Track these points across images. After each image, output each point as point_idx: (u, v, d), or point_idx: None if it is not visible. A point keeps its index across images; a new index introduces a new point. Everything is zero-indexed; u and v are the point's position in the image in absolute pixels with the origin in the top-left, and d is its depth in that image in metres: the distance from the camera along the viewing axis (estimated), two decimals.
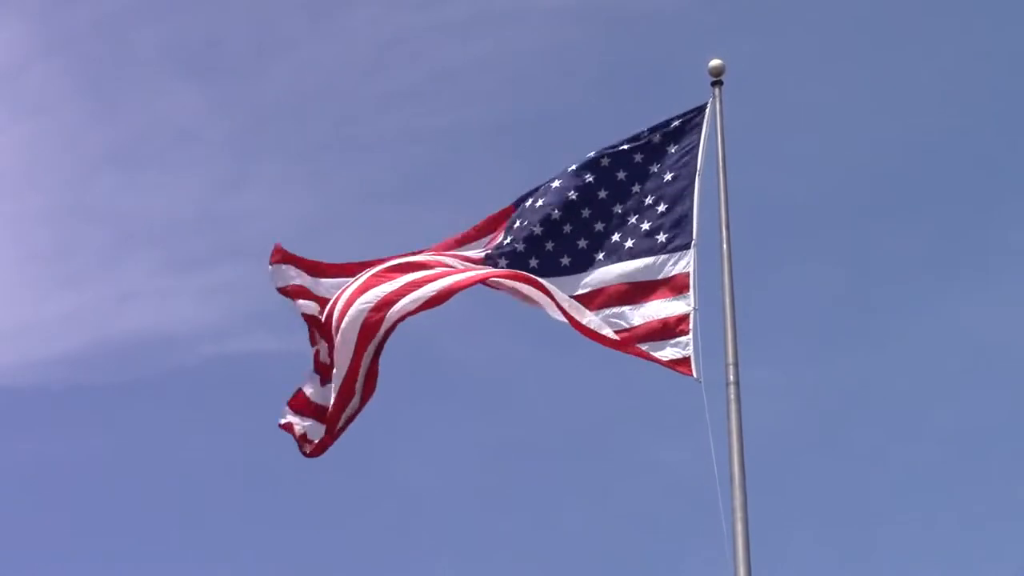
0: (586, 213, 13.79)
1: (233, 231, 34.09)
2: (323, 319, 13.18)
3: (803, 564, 24.72)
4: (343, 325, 13.00)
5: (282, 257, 13.47)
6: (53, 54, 34.49)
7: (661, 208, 13.58)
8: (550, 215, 13.78)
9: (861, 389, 30.09)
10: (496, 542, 28.61)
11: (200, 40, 34.79)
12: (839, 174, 32.32)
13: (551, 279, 13.43)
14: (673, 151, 13.82)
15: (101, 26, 34.82)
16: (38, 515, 30.38)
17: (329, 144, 34.50)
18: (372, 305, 13.03)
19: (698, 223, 13.34)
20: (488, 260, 13.72)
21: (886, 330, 30.63)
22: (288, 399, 13.44)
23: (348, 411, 13.20)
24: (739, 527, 11.60)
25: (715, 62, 13.86)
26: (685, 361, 12.70)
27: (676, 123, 13.95)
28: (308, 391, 13.39)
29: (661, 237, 13.42)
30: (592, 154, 14.02)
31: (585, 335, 13.06)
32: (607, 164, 13.93)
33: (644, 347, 12.89)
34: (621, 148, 13.97)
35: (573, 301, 13.27)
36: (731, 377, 12.27)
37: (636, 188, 13.79)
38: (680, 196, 13.54)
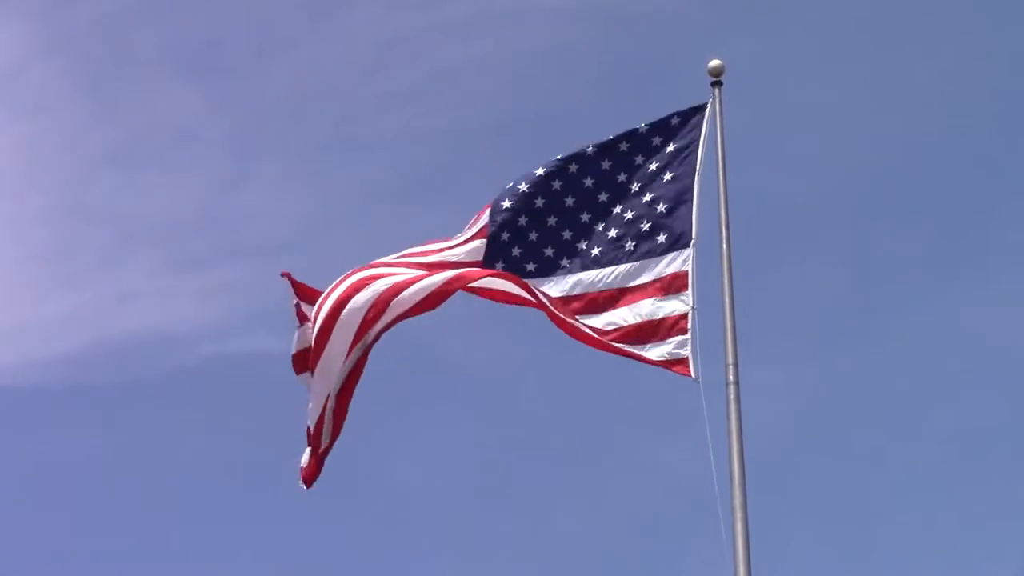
0: (585, 217, 13.78)
1: (233, 231, 34.14)
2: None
3: (803, 564, 24.74)
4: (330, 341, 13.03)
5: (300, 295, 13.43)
6: (53, 54, 34.54)
7: (661, 208, 13.57)
8: (546, 220, 13.79)
9: (861, 389, 30.12)
10: (495, 542, 28.63)
11: (200, 40, 34.84)
12: (839, 174, 32.36)
13: (549, 280, 13.43)
14: (672, 150, 13.81)
15: (101, 26, 34.88)
16: (38, 515, 30.40)
17: (329, 144, 34.54)
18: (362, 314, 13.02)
19: (697, 223, 13.35)
20: (486, 262, 13.69)
21: (886, 330, 30.66)
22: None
23: (324, 437, 13.16)
24: (739, 527, 11.60)
25: (715, 62, 13.86)
26: (683, 361, 12.69)
27: (675, 122, 13.95)
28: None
29: (661, 236, 13.41)
30: (589, 150, 13.98)
31: (576, 338, 13.03)
32: (607, 167, 13.92)
33: (640, 347, 12.86)
34: (620, 148, 13.96)
35: (567, 302, 13.27)
36: (731, 377, 12.27)
37: (635, 187, 13.79)
38: (680, 195, 13.53)
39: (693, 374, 12.58)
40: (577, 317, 13.15)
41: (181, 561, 29.34)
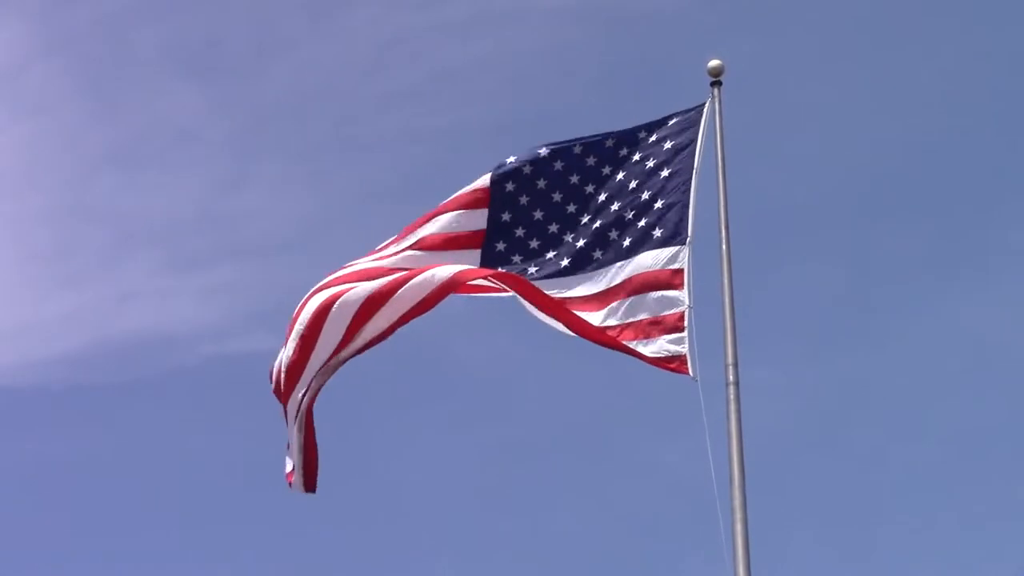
0: (584, 216, 13.79)
1: (233, 231, 34.14)
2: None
3: (803, 564, 24.74)
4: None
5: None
6: (53, 54, 34.55)
7: (658, 204, 13.56)
8: (544, 223, 13.81)
9: (861, 389, 30.12)
10: (495, 542, 28.63)
11: (200, 40, 34.84)
12: (839, 174, 32.36)
13: (548, 280, 13.43)
14: (669, 147, 13.81)
15: (101, 26, 34.88)
16: (38, 515, 30.41)
17: (329, 144, 34.54)
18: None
19: (694, 221, 13.34)
20: (485, 260, 13.70)
21: (886, 330, 30.66)
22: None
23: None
24: (738, 527, 11.59)
25: (714, 62, 13.86)
26: (680, 358, 12.67)
27: (673, 120, 13.95)
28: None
29: (657, 233, 13.39)
30: (582, 148, 13.99)
31: (573, 328, 13.00)
32: (609, 168, 13.93)
33: (635, 342, 12.86)
34: (616, 145, 13.97)
35: (566, 298, 13.27)
36: (730, 377, 12.26)
37: (633, 184, 13.78)
38: (677, 193, 13.52)
39: (691, 372, 12.57)
40: (573, 311, 13.14)
41: (181, 561, 29.37)
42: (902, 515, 27.88)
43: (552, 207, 13.89)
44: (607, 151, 13.99)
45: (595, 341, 12.93)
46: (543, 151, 14.02)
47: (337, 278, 13.27)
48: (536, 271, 13.61)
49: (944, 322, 30.96)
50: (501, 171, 14.00)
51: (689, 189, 13.47)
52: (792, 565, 22.80)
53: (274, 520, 28.87)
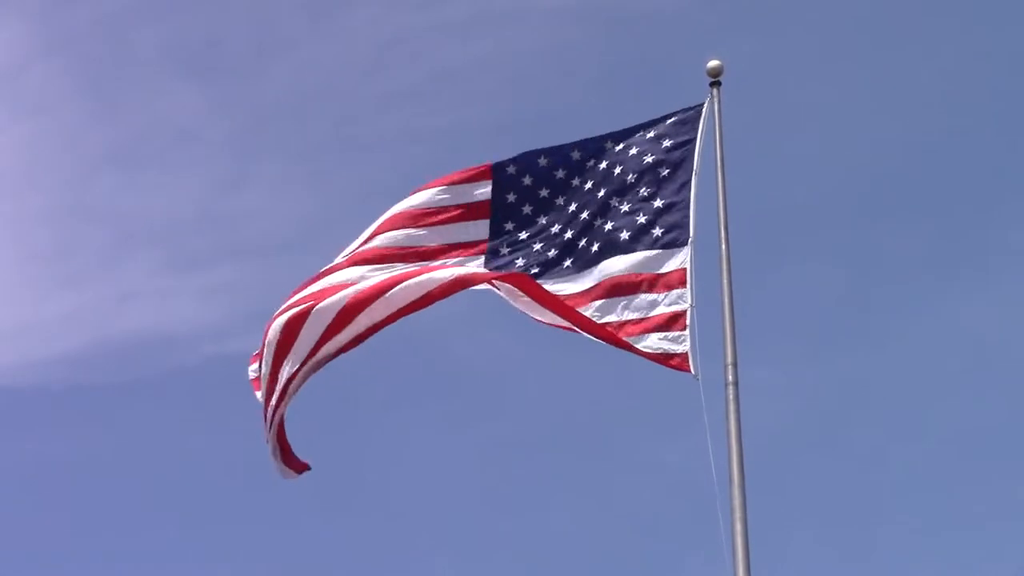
0: (584, 212, 13.80)
1: (233, 231, 34.16)
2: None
3: (803, 564, 24.74)
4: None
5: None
6: (53, 54, 34.55)
7: (657, 203, 13.56)
8: (547, 226, 13.83)
9: (861, 389, 30.13)
10: (494, 541, 28.63)
11: (200, 40, 34.85)
12: (839, 174, 32.36)
13: (549, 277, 13.45)
14: (669, 146, 13.81)
15: (101, 26, 34.89)
16: (38, 515, 30.42)
17: (329, 144, 34.55)
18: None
19: (695, 221, 13.34)
20: (490, 257, 13.72)
21: (886, 330, 30.66)
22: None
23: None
24: (738, 527, 11.58)
25: (713, 63, 13.86)
26: (681, 356, 12.67)
27: (672, 120, 13.96)
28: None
29: (657, 232, 13.39)
30: (589, 160, 14.03)
31: (574, 322, 13.00)
32: (605, 163, 13.94)
33: (636, 342, 12.86)
34: (616, 144, 13.99)
35: (564, 294, 13.28)
36: (730, 377, 12.25)
37: (631, 178, 13.79)
38: (677, 192, 13.52)
39: (693, 370, 12.57)
40: (574, 307, 13.16)
41: (181, 561, 29.38)
42: (902, 515, 27.92)
43: (554, 210, 13.92)
44: (605, 150, 14.01)
45: (596, 336, 12.92)
46: (542, 161, 14.06)
47: (310, 294, 13.33)
48: (538, 271, 13.63)
49: (944, 322, 31.00)
50: (501, 182, 14.04)
51: (689, 189, 13.48)
52: (792, 565, 22.81)
53: (274, 520, 28.92)
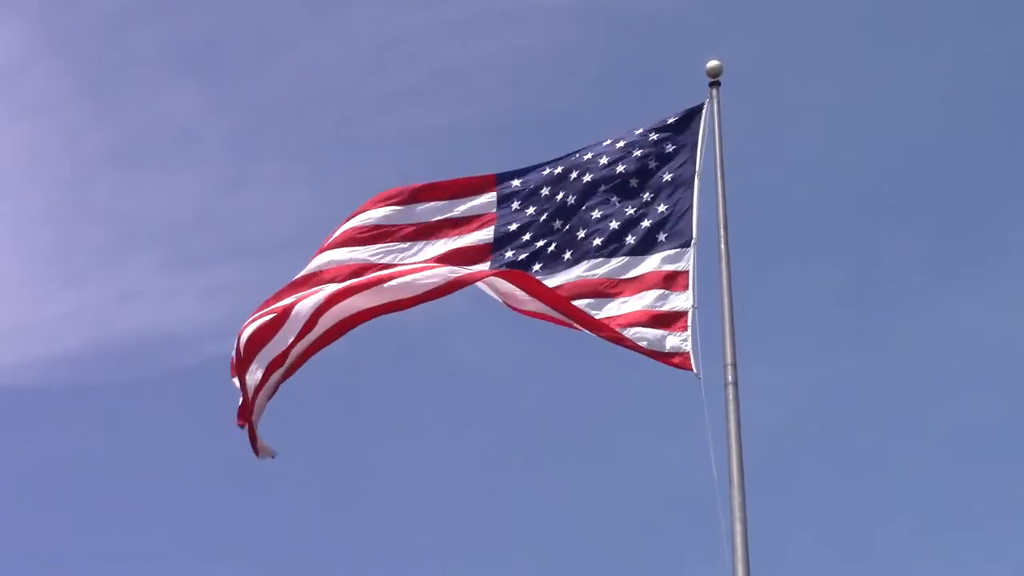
0: (591, 212, 13.81)
1: (233, 231, 34.15)
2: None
3: (803, 564, 24.75)
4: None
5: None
6: (53, 54, 34.56)
7: (661, 207, 13.58)
8: (550, 220, 13.84)
9: (861, 389, 30.13)
10: (495, 541, 28.63)
11: (200, 40, 34.86)
12: (839, 174, 32.37)
13: (552, 276, 13.46)
14: (671, 150, 13.83)
15: (101, 26, 34.89)
16: (38, 515, 30.41)
17: (329, 144, 34.54)
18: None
19: (697, 222, 13.36)
20: (495, 256, 13.74)
21: (886, 330, 30.67)
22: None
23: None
24: (738, 527, 11.59)
25: (713, 63, 13.88)
26: (683, 355, 12.68)
27: (672, 122, 13.98)
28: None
29: (661, 235, 13.41)
30: (588, 155, 14.04)
31: (577, 319, 13.00)
32: (606, 162, 13.96)
33: (638, 340, 12.86)
34: (618, 146, 14.00)
35: (562, 284, 13.31)
36: (730, 378, 12.26)
37: (634, 183, 13.81)
38: (679, 195, 13.55)
39: (695, 369, 12.57)
40: (575, 303, 13.17)
41: (181, 561, 29.37)
42: (902, 515, 27.91)
43: (558, 209, 13.94)
44: (607, 149, 14.04)
45: (596, 333, 12.92)
46: (547, 171, 14.10)
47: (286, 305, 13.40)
48: (540, 266, 13.64)
49: (944, 322, 31.01)
50: (506, 191, 14.05)
51: (692, 191, 13.50)
52: (792, 565, 22.84)
53: (274, 520, 28.92)
